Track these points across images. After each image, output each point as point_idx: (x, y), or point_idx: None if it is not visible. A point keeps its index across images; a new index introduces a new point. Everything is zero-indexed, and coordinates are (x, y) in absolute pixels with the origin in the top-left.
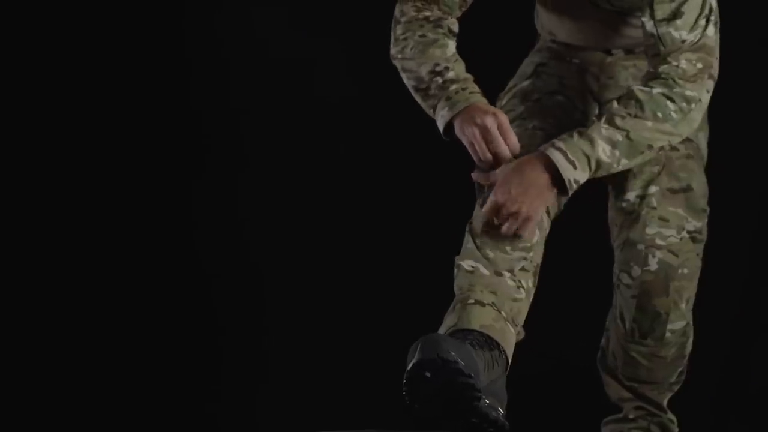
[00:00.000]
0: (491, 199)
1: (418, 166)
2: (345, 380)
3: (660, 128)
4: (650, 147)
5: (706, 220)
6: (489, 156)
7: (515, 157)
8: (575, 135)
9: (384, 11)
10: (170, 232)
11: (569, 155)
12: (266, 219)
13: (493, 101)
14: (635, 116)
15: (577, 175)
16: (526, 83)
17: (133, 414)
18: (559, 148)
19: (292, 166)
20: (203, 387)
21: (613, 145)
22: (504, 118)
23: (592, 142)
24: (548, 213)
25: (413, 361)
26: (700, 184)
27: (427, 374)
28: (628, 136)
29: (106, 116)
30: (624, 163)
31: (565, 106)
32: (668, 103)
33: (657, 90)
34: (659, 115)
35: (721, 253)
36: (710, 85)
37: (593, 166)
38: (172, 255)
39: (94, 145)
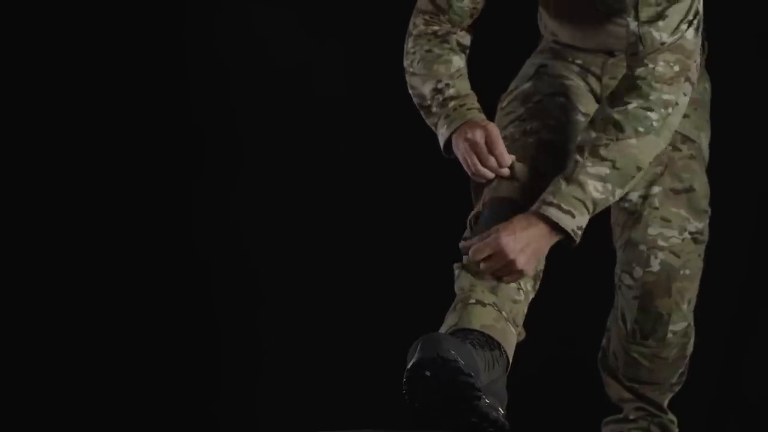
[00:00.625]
0: (492, 240)
1: (418, 165)
2: (344, 380)
3: (645, 142)
4: (639, 168)
5: (707, 221)
6: (480, 169)
7: (509, 167)
8: (562, 183)
9: (383, 13)
10: (169, 232)
11: (563, 207)
12: (265, 219)
13: (495, 103)
14: (617, 140)
15: (578, 222)
16: (527, 85)
17: (132, 414)
18: (551, 203)
19: (292, 167)
20: (203, 387)
21: (603, 179)
22: (493, 130)
23: (581, 185)
24: None
25: (413, 360)
26: (701, 185)
27: (427, 373)
28: (614, 166)
29: (106, 117)
30: (619, 193)
31: (567, 107)
32: (648, 114)
33: (633, 105)
34: (641, 129)
35: (721, 254)
36: (687, 88)
37: (590, 208)
38: (171, 255)
39: (94, 146)
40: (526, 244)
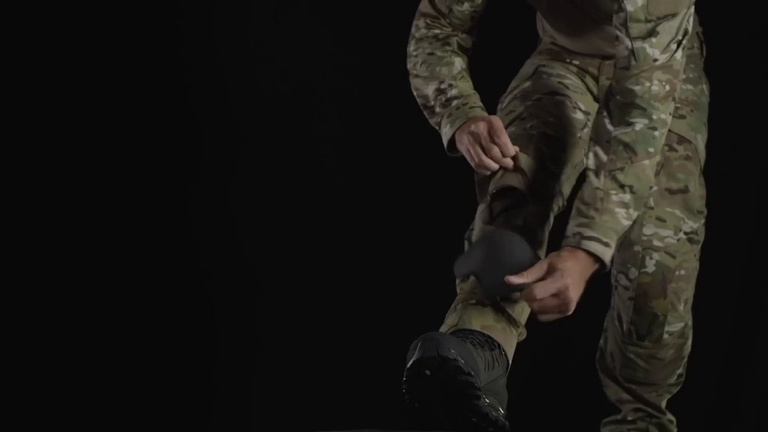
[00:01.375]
0: (559, 280)
1: (418, 166)
2: (344, 380)
3: (654, 162)
4: (651, 188)
5: (703, 221)
6: (483, 159)
7: (513, 158)
8: (593, 213)
9: (382, 13)
10: (167, 231)
11: (603, 239)
12: (264, 218)
13: (496, 102)
14: (632, 162)
15: (612, 251)
16: (526, 84)
17: (129, 413)
18: (590, 237)
19: (291, 167)
20: (200, 387)
21: (626, 206)
22: (496, 121)
23: (612, 213)
24: (552, 210)
25: (413, 359)
26: (697, 186)
27: (427, 372)
28: (632, 190)
29: (105, 119)
30: (636, 216)
31: (566, 104)
32: (654, 133)
33: (639, 125)
34: (651, 150)
35: (720, 255)
36: (672, 107)
37: (620, 234)
38: (168, 255)
39: (93, 148)
40: (581, 284)
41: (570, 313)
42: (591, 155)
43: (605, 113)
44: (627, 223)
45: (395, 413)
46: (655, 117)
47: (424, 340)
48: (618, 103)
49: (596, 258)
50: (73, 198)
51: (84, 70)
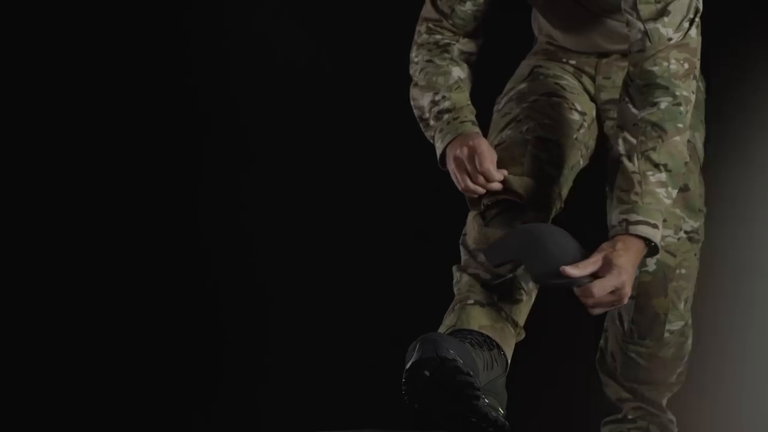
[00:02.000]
0: (616, 277)
1: (417, 166)
2: (345, 380)
3: (684, 137)
4: (686, 164)
5: (703, 220)
6: (469, 185)
7: (501, 181)
8: (635, 197)
9: (383, 14)
10: (175, 230)
11: (650, 221)
12: (268, 219)
13: (492, 104)
14: (663, 141)
15: (660, 232)
16: (522, 86)
17: (133, 414)
18: (637, 222)
19: (295, 168)
20: (204, 387)
21: (665, 185)
22: (479, 146)
23: (653, 195)
24: (550, 213)
25: (412, 360)
26: (696, 185)
27: (426, 373)
28: (667, 168)
29: (111, 118)
30: (675, 194)
31: (562, 106)
32: (680, 109)
33: (664, 104)
34: (680, 125)
35: (719, 254)
36: (695, 86)
37: (664, 215)
38: (175, 256)
39: (99, 147)
40: (634, 275)
41: (623, 302)
42: (620, 141)
43: (627, 99)
44: (668, 202)
45: (395, 413)
46: (678, 93)
47: (422, 341)
48: (638, 87)
49: (646, 242)
50: (76, 200)
51: (89, 68)
